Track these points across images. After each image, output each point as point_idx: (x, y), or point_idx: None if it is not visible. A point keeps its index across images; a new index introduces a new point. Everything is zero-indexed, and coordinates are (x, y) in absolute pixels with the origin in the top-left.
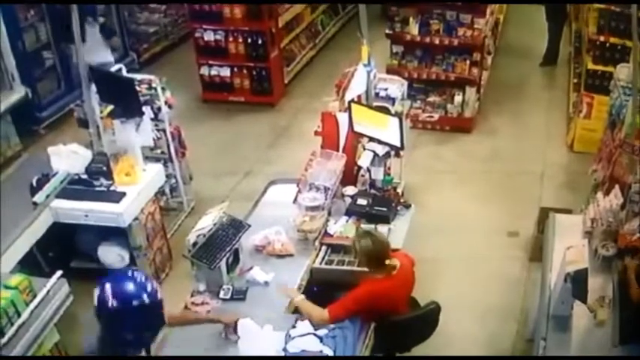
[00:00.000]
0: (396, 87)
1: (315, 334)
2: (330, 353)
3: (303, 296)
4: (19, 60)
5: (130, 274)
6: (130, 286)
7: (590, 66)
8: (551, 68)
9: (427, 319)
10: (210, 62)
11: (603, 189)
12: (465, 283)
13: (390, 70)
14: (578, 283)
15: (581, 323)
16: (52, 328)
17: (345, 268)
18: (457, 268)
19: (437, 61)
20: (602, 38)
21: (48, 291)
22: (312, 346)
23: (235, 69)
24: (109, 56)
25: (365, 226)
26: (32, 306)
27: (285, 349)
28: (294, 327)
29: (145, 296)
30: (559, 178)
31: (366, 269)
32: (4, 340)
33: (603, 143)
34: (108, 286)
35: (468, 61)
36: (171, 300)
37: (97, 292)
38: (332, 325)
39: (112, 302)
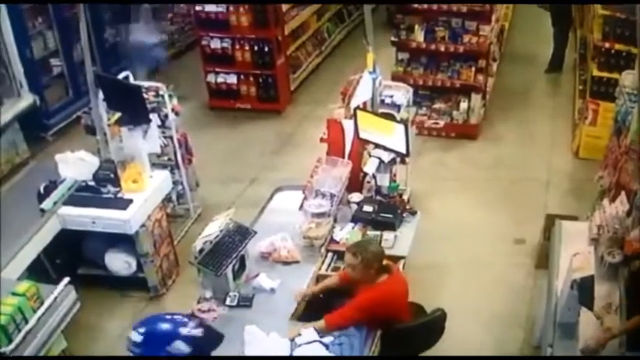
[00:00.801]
0: (401, 94)
1: (321, 342)
2: None
3: (299, 327)
4: (27, 67)
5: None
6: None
7: (596, 73)
8: (557, 75)
9: (433, 326)
10: (217, 69)
11: (609, 196)
12: (470, 290)
13: (395, 77)
14: (584, 290)
15: (588, 330)
16: (59, 335)
17: None
18: (463, 275)
19: (442, 68)
20: (607, 45)
21: (55, 298)
22: (318, 353)
23: (242, 76)
24: (154, 38)
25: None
26: (39, 313)
27: (291, 357)
28: (299, 335)
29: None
30: (564, 184)
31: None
32: (12, 346)
33: (609, 150)
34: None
35: (473, 68)
36: (178, 306)
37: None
38: (338, 333)
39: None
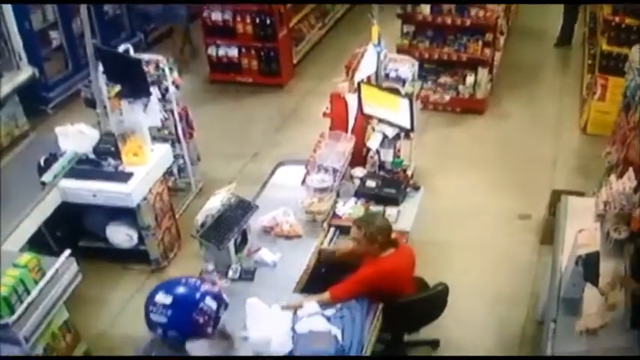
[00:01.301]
0: (406, 67)
1: (322, 315)
2: (338, 333)
3: (301, 298)
4: (26, 40)
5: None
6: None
7: (605, 47)
8: (566, 49)
9: (435, 301)
10: (218, 42)
11: (617, 172)
12: (474, 266)
13: (400, 51)
14: (589, 266)
15: (592, 306)
16: (61, 307)
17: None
18: (467, 251)
19: (448, 41)
20: (617, 19)
21: (57, 269)
22: (320, 326)
23: (243, 49)
24: None
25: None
26: (41, 284)
27: (293, 329)
28: (301, 307)
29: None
30: (572, 161)
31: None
32: (14, 317)
33: (617, 126)
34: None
35: (480, 42)
36: None
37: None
38: (339, 306)
39: None
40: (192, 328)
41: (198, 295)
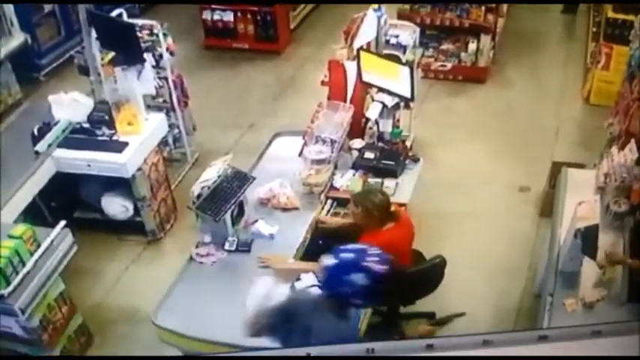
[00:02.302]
0: (407, 34)
1: (319, 287)
2: None
3: (292, 260)
4: (17, 5)
5: None
6: None
7: (610, 14)
8: (571, 17)
9: (432, 273)
10: (213, 6)
11: (618, 143)
12: (472, 238)
13: (401, 16)
14: (588, 239)
15: (590, 280)
16: (56, 278)
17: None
18: (465, 224)
19: (451, 6)
20: None
21: (52, 241)
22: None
23: (239, 13)
24: None
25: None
26: (36, 255)
27: None
28: (298, 279)
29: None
30: (574, 132)
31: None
32: (10, 289)
33: (621, 96)
34: None
35: (483, 7)
36: (177, 250)
37: None
38: None
39: None
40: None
41: (356, 266)
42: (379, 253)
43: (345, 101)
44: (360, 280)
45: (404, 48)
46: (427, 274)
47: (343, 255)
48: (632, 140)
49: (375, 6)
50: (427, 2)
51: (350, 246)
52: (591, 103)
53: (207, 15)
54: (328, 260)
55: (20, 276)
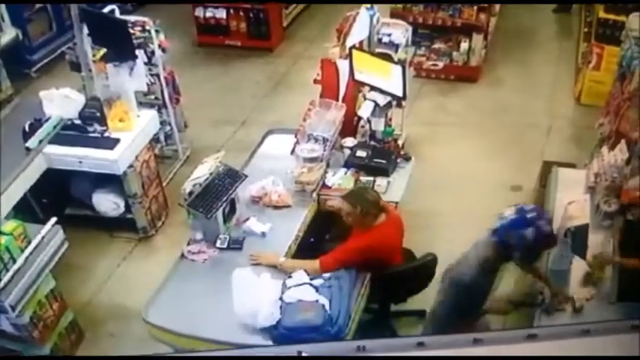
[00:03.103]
0: (400, 32)
1: (311, 284)
2: (326, 303)
3: (284, 258)
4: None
5: None
6: None
7: (602, 14)
8: (564, 16)
9: (423, 271)
10: (206, 3)
11: (609, 143)
12: (463, 237)
13: (394, 15)
14: (578, 238)
15: (579, 279)
16: (47, 275)
17: None
18: (457, 222)
19: (443, 5)
20: None
21: (43, 237)
22: (308, 295)
23: (231, 10)
24: None
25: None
26: (27, 252)
27: (281, 299)
28: (290, 277)
29: None
30: (565, 131)
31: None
32: (0, 285)
33: (611, 96)
34: None
35: (475, 7)
36: (168, 247)
37: None
38: (327, 275)
39: None
40: None
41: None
42: (549, 217)
43: (337, 99)
44: (530, 235)
45: (396, 47)
46: (418, 272)
47: (525, 208)
48: (623, 140)
49: (368, 5)
50: (420, 1)
51: (530, 205)
52: (582, 103)
53: (199, 12)
54: (509, 210)
55: (11, 273)
